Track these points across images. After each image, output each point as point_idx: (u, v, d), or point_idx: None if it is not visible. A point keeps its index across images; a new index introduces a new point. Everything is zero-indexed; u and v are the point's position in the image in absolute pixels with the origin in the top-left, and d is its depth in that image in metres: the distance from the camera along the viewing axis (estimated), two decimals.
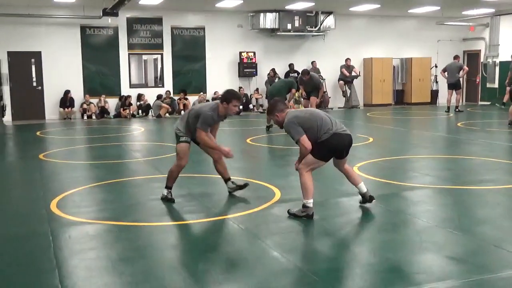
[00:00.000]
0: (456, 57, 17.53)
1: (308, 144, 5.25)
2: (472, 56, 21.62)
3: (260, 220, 5.42)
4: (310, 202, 5.28)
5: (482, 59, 20.93)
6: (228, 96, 5.85)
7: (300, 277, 3.92)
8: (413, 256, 4.35)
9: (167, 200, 6.04)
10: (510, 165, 8.17)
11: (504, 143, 10.65)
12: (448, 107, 17.08)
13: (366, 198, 5.73)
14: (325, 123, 5.33)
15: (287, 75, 18.53)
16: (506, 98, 16.24)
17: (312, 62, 19.13)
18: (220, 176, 6.43)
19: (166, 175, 6.18)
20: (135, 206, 6.15)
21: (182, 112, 17.70)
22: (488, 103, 20.16)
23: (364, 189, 5.73)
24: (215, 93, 18.39)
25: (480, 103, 20.68)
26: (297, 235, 4.96)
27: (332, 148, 5.38)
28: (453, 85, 17.15)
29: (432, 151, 10.00)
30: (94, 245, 4.74)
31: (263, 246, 4.65)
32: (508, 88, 16.31)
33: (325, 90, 18.58)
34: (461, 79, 17.60)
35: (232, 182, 6.37)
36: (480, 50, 21.24)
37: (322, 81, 17.25)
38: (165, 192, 6.12)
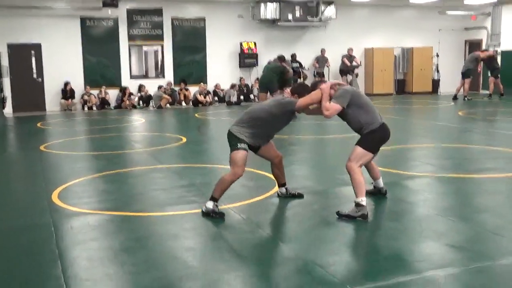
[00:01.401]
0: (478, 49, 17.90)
1: (333, 111, 5.00)
2: (474, 45, 21.53)
3: (261, 209, 5.43)
4: (364, 200, 4.95)
5: (483, 48, 20.85)
6: (303, 89, 5.35)
7: (301, 266, 3.94)
8: (414, 244, 4.36)
9: (214, 215, 5.06)
10: (510, 154, 8.16)
11: (505, 132, 10.64)
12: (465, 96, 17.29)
13: (382, 193, 5.67)
14: (376, 112, 5.22)
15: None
16: (461, 89, 17.38)
17: (321, 50, 19.17)
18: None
19: (215, 186, 5.17)
20: (136, 196, 6.16)
21: (183, 103, 17.72)
22: (489, 91, 20.10)
23: (381, 184, 5.66)
24: (216, 86, 18.37)
25: (481, 91, 20.62)
26: (297, 224, 4.97)
27: (381, 139, 5.20)
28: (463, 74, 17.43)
29: (433, 140, 10.00)
30: (96, 236, 4.76)
31: (264, 235, 4.67)
32: (466, 80, 16.82)
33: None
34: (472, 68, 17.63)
35: (286, 189, 5.74)
36: (481, 40, 21.14)
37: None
38: (210, 205, 5.09)
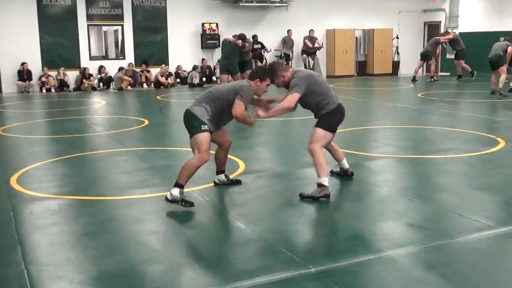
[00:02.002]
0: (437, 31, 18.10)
1: (293, 103, 5.03)
2: (433, 27, 21.89)
3: (225, 192, 5.44)
4: (326, 181, 5.02)
5: (442, 30, 21.22)
6: (263, 73, 5.17)
7: (265, 247, 3.97)
8: (375, 224, 4.45)
9: (183, 204, 4.80)
10: (468, 134, 8.38)
11: (463, 113, 10.90)
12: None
13: (348, 174, 5.73)
14: (332, 92, 5.26)
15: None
16: (419, 70, 17.64)
17: (288, 31, 19.09)
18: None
19: (180, 172, 4.85)
20: (98, 180, 6.08)
21: (145, 84, 17.49)
22: (448, 73, 20.52)
23: (346, 165, 5.70)
24: (178, 67, 18.18)
25: (440, 73, 21.01)
26: (261, 206, 5.00)
27: (339, 119, 5.25)
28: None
29: (393, 121, 10.16)
30: (57, 220, 4.69)
31: (228, 217, 4.69)
32: (429, 62, 17.12)
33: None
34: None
35: (225, 175, 5.54)
36: (440, 22, 21.51)
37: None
38: (175, 192, 4.80)
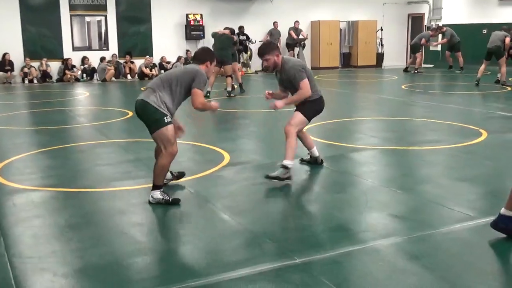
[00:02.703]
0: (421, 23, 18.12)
1: (310, 89, 5.25)
2: (416, 19, 21.99)
3: (210, 183, 5.44)
4: (292, 164, 5.27)
5: (425, 22, 21.33)
6: (211, 54, 4.99)
7: (250, 239, 3.98)
8: (359, 215, 4.48)
9: (169, 203, 4.66)
10: (451, 126, 8.45)
11: (445, 105, 10.98)
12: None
13: (318, 162, 5.84)
14: (316, 83, 5.48)
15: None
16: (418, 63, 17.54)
17: (274, 23, 18.99)
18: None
19: (154, 175, 4.71)
20: (81, 172, 6.04)
21: (129, 76, 17.37)
22: (431, 65, 20.66)
23: (316, 153, 5.85)
24: (162, 58, 18.06)
25: (424, 65, 21.14)
26: (246, 198, 5.01)
27: (319, 109, 5.53)
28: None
29: (377, 113, 10.22)
30: (40, 213, 4.65)
31: (213, 209, 4.69)
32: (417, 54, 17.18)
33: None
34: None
35: (171, 172, 5.22)
36: (424, 13, 21.61)
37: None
38: (157, 194, 4.67)
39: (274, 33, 19.08)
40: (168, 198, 4.68)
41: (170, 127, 4.62)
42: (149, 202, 4.70)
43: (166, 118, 4.61)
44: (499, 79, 13.63)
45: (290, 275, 3.34)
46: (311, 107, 5.40)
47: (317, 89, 5.44)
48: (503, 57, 13.37)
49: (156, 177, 4.70)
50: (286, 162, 5.21)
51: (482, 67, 13.49)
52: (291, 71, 5.24)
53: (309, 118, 5.44)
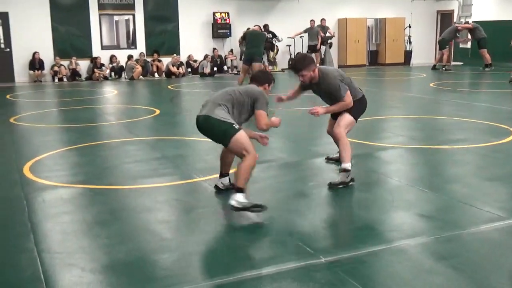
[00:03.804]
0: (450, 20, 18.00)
1: (351, 100, 5.20)
2: (446, 16, 21.67)
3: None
4: (350, 165, 5.15)
5: (455, 19, 21.01)
6: (269, 78, 4.91)
7: (275, 237, 3.98)
8: (385, 214, 4.44)
9: (255, 210, 4.28)
10: (480, 124, 8.32)
11: (475, 103, 10.81)
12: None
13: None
14: (355, 83, 5.42)
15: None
16: (445, 59, 17.48)
17: (311, 21, 18.66)
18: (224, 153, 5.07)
19: (237, 177, 4.38)
20: (109, 169, 6.12)
21: (156, 74, 17.51)
22: (461, 63, 20.35)
23: None
24: (189, 56, 18.16)
25: (453, 63, 20.84)
26: (272, 196, 5.00)
27: (364, 108, 5.49)
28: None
29: (405, 111, 10.11)
30: (69, 209, 4.72)
31: None
32: (444, 50, 16.94)
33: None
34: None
35: (229, 179, 5.02)
36: (453, 10, 21.29)
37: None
38: (241, 198, 4.28)
39: (310, 33, 18.72)
40: (255, 203, 4.29)
41: (242, 133, 4.41)
42: (232, 207, 4.27)
43: (235, 126, 4.42)
44: None
45: (315, 274, 3.33)
46: (357, 107, 5.31)
47: (358, 88, 5.39)
48: None
49: (240, 178, 4.32)
50: (345, 166, 5.10)
51: None
52: (332, 85, 5.12)
53: (356, 118, 5.35)
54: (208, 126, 4.49)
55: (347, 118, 5.26)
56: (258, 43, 12.17)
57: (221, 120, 4.41)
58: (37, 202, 4.87)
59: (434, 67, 17.94)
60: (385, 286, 3.23)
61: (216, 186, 5.02)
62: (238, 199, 4.27)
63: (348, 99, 5.18)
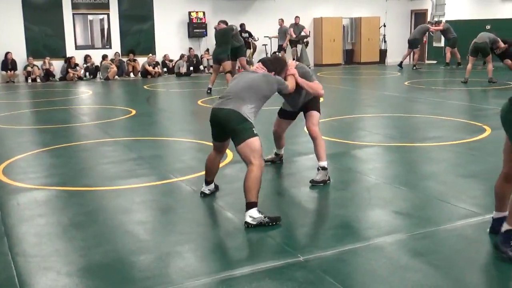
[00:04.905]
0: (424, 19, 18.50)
1: (322, 87, 5.24)
2: (419, 15, 21.92)
3: None
4: (327, 163, 5.24)
5: (428, 18, 21.26)
6: (281, 66, 4.85)
7: (253, 236, 3.97)
8: (362, 212, 4.47)
9: (270, 223, 4.09)
10: (454, 122, 8.43)
11: (448, 101, 10.96)
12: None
13: (281, 160, 5.98)
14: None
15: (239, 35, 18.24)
16: (407, 57, 18.11)
17: (295, 18, 18.60)
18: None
19: (248, 190, 4.16)
20: (84, 170, 6.05)
21: (132, 74, 17.36)
22: (435, 62, 20.61)
23: (282, 152, 5.96)
24: (165, 56, 18.06)
25: (426, 61, 21.10)
26: None
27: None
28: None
29: (380, 110, 10.19)
30: (44, 211, 4.65)
31: (216, 207, 4.69)
32: (415, 50, 17.36)
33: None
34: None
35: (214, 184, 4.96)
36: (427, 10, 21.55)
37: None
38: (255, 213, 4.08)
39: (295, 29, 18.53)
40: (270, 217, 4.11)
41: (258, 139, 4.30)
42: (249, 225, 4.06)
43: (255, 130, 4.33)
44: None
45: (293, 272, 3.34)
46: (317, 102, 5.44)
47: None
48: (490, 54, 13.46)
49: (252, 192, 4.11)
50: (324, 163, 5.19)
51: (469, 66, 13.63)
52: (306, 75, 5.11)
53: (320, 111, 5.49)
54: (229, 120, 4.32)
55: (316, 115, 5.37)
56: (223, 41, 12.21)
57: (244, 118, 4.30)
58: (11, 205, 4.79)
59: (414, 67, 18.05)
60: (363, 283, 3.25)
61: (202, 193, 4.87)
62: (252, 215, 4.07)
63: (320, 87, 5.16)
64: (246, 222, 4.08)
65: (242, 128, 4.28)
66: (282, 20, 18.68)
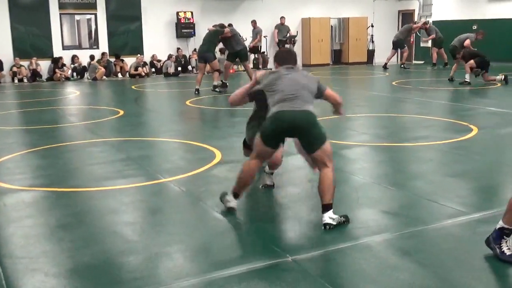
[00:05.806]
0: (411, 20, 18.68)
1: None
2: (407, 16, 22.03)
3: (201, 182, 5.42)
4: None
5: (415, 19, 21.38)
6: (294, 57, 4.59)
7: (242, 237, 3.98)
8: (351, 212, 4.47)
9: (345, 221, 4.10)
10: (441, 122, 8.48)
11: (436, 101, 11.02)
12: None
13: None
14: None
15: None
16: (392, 58, 18.18)
17: (281, 18, 18.85)
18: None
19: (324, 193, 4.11)
20: (72, 171, 6.01)
21: (119, 74, 17.28)
22: (422, 62, 20.73)
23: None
24: (153, 56, 17.99)
25: (414, 62, 21.21)
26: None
27: None
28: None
29: (368, 109, 10.24)
30: (31, 213, 4.62)
31: (205, 208, 4.68)
32: (402, 50, 17.48)
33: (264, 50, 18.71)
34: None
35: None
36: (414, 10, 21.67)
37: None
38: (332, 215, 4.06)
39: (281, 29, 18.96)
40: (343, 215, 4.11)
41: (329, 142, 4.17)
42: (329, 226, 4.00)
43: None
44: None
45: (282, 272, 3.34)
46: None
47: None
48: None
49: (328, 194, 4.07)
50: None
51: (455, 66, 14.00)
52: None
53: None
54: (308, 123, 4.08)
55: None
56: (207, 40, 12.54)
57: (317, 121, 4.08)
58: None
59: (403, 66, 18.11)
60: (352, 283, 3.26)
61: (231, 208, 4.39)
62: (331, 216, 4.03)
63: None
64: (327, 224, 4.00)
65: (319, 131, 4.09)
66: (255, 22, 18.76)
